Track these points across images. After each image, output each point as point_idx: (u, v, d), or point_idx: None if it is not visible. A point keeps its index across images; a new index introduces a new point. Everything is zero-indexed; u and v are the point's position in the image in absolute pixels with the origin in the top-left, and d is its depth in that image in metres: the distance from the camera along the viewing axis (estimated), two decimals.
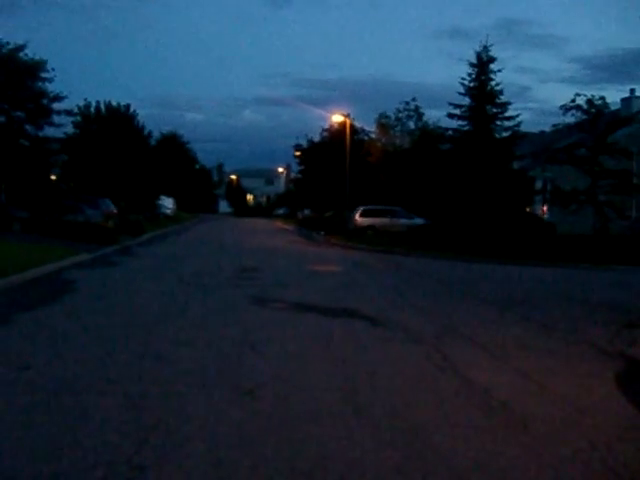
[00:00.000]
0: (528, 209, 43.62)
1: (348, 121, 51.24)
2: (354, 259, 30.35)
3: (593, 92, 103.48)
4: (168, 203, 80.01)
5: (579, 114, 39.69)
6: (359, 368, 9.39)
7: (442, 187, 39.22)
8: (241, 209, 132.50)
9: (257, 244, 39.01)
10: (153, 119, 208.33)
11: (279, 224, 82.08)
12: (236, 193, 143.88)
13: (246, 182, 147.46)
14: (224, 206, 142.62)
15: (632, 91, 49.75)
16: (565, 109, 39.66)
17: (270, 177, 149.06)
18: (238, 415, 7.11)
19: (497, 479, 5.68)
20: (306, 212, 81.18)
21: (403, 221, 45.61)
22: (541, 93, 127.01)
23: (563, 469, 5.95)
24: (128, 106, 66.33)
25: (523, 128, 43.18)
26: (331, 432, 6.66)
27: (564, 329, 13.14)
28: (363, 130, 62.24)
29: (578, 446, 6.49)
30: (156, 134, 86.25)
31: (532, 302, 17.00)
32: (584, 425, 7.18)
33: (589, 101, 39.17)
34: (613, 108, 44.29)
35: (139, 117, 68.47)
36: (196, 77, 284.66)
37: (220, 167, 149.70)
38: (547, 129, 48.83)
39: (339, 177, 50.80)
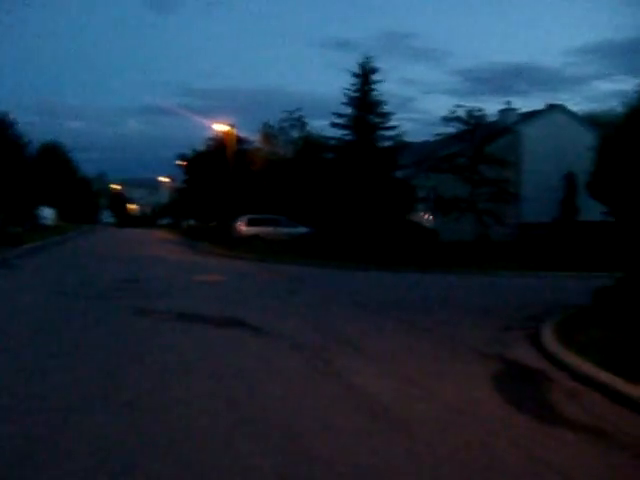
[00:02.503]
0: (411, 217, 44.52)
1: (232, 130, 51.08)
2: (239, 269, 30.27)
3: (473, 103, 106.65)
4: (48, 214, 78.14)
5: (459, 125, 40.92)
6: (242, 378, 9.40)
7: (325, 196, 39.56)
8: (124, 219, 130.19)
9: (140, 254, 38.38)
10: (35, 127, 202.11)
11: (163, 234, 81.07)
12: (119, 203, 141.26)
13: (130, 192, 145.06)
14: (107, 216, 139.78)
15: (508, 103, 51.64)
16: (446, 120, 40.86)
17: (154, 187, 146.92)
18: (118, 427, 7.02)
19: None
20: (190, 222, 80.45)
21: (287, 230, 45.78)
22: (424, 104, 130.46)
23: (441, 468, 6.14)
24: (6, 114, 64.17)
25: (407, 138, 44.19)
26: (212, 443, 6.65)
27: (446, 333, 13.50)
28: (247, 140, 62.20)
29: (456, 446, 6.72)
30: (37, 143, 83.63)
31: (415, 308, 17.39)
32: (462, 425, 7.43)
33: (468, 112, 40.44)
34: (491, 119, 45.79)
35: (18, 125, 66.28)
36: (80, 85, 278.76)
37: (102, 177, 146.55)
38: (430, 139, 50.00)
39: (223, 187, 50.54)
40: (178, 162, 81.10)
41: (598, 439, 7.11)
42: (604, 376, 9.35)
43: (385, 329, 13.97)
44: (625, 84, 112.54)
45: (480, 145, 40.34)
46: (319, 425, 7.29)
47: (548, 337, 12.43)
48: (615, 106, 47.65)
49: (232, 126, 51.77)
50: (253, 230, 46.96)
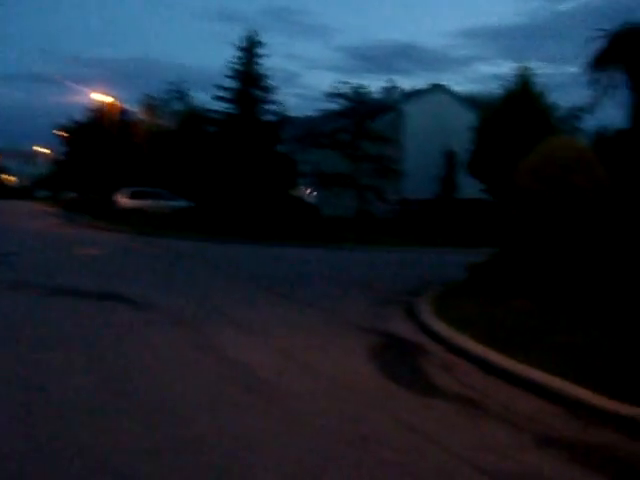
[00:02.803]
0: (293, 192, 44.60)
1: (114, 101, 49.89)
2: (119, 242, 29.65)
3: (357, 81, 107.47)
4: None
5: (343, 101, 41.18)
6: (119, 352, 9.18)
7: (208, 169, 39.07)
8: None
9: (16, 227, 37.05)
10: None
11: (41, 207, 78.57)
12: None
13: (4, 162, 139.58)
14: None
15: (392, 81, 52.39)
16: (330, 96, 41.04)
17: (30, 157, 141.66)
18: None
19: (256, 454, 5.75)
20: (70, 194, 78.15)
21: (169, 203, 45.08)
22: (309, 80, 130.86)
23: (317, 439, 6.15)
24: None
25: (291, 113, 44.08)
26: (86, 419, 6.46)
27: (324, 306, 13.59)
28: (130, 111, 60.79)
29: (333, 417, 6.75)
30: None
31: (294, 282, 17.44)
32: (338, 397, 7.47)
33: (352, 89, 40.75)
34: (375, 97, 46.26)
35: None
36: None
37: None
38: (313, 114, 50.14)
39: (104, 159, 49.34)
40: (57, 132, 78.54)
41: (471, 408, 7.29)
42: (478, 348, 9.60)
43: (265, 303, 13.95)
44: (504, 68, 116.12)
45: (363, 122, 40.72)
46: (194, 399, 7.18)
47: (425, 311, 12.68)
48: (494, 88, 48.98)
49: (114, 97, 50.61)
50: (134, 203, 46.03)
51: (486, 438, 6.40)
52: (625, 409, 6.93)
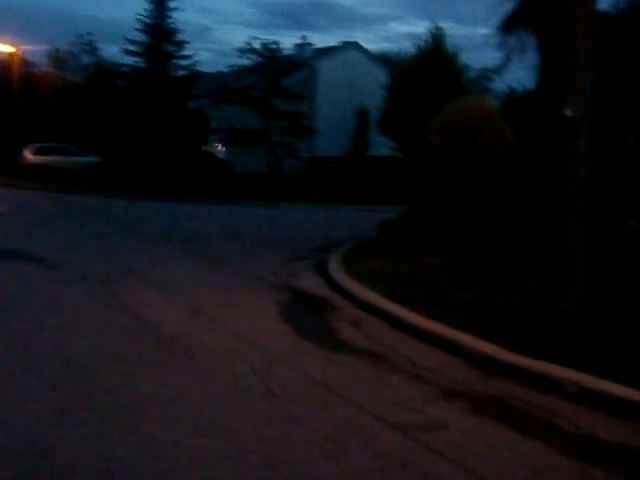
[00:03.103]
0: (204, 148, 44.07)
1: (17, 52, 48.11)
2: (25, 199, 28.86)
3: (270, 36, 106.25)
4: None
5: (255, 57, 40.76)
6: (25, 311, 8.98)
7: (118, 124, 38.27)
8: None
9: None
10: None
11: None
12: None
13: None
14: None
15: (305, 38, 51.92)
16: (242, 51, 40.55)
17: None
18: None
19: (163, 410, 5.73)
20: None
21: (77, 159, 43.99)
22: (221, 35, 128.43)
23: (228, 395, 6.17)
24: None
25: (203, 68, 43.43)
26: None
27: (235, 263, 13.57)
28: (35, 63, 58.78)
29: (241, 372, 6.77)
30: None
31: (205, 238, 17.34)
32: (248, 353, 7.49)
33: (264, 45, 40.33)
34: (288, 53, 45.89)
35: None
36: None
37: None
38: (225, 70, 49.46)
39: (7, 113, 47.63)
40: None
41: (379, 363, 7.41)
42: (386, 304, 9.74)
43: (174, 259, 13.83)
44: (418, 27, 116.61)
45: (275, 78, 40.44)
46: (103, 356, 7.11)
47: (334, 267, 12.78)
48: (408, 48, 49.19)
49: (17, 47, 48.75)
50: (41, 159, 44.66)
51: (393, 392, 6.52)
52: (523, 361, 7.17)
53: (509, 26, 18.22)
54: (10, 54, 49.15)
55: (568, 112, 8.49)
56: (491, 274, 11.61)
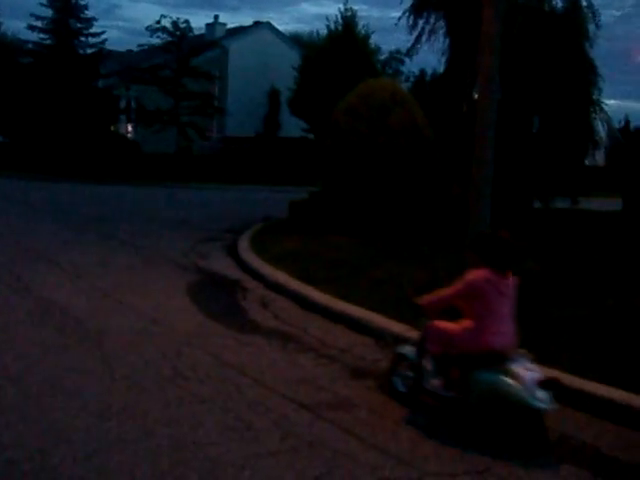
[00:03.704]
0: (112, 128, 43.23)
1: None
2: None
3: (180, 15, 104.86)
4: None
5: (165, 36, 40.08)
6: None
7: (21, 103, 37.11)
8: None
9: None
10: None
11: None
12: None
13: None
14: None
15: (216, 17, 51.26)
16: (151, 30, 39.82)
17: None
18: None
19: (70, 396, 5.63)
20: None
21: None
22: (131, 12, 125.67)
23: (135, 378, 6.10)
24: None
25: (111, 46, 42.28)
26: None
27: (144, 246, 13.40)
28: None
29: (150, 355, 6.71)
30: None
31: (113, 220, 17.07)
32: (157, 335, 7.44)
33: (174, 24, 39.69)
34: (198, 33, 45.27)
35: None
36: None
37: None
38: (135, 49, 48.54)
39: None
40: None
41: (287, 342, 7.46)
42: (295, 284, 9.79)
43: (82, 242, 13.58)
44: (330, 9, 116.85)
45: (185, 58, 39.80)
46: (5, 341, 6.94)
47: (244, 248, 12.77)
48: (319, 29, 49.26)
49: None
50: None
51: (302, 372, 6.57)
52: None
53: (419, 9, 18.41)
54: None
55: (475, 95, 8.67)
56: (400, 253, 11.76)
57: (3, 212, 17.95)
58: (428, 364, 5.79)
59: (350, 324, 8.19)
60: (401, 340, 7.43)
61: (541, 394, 5.10)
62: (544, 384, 5.13)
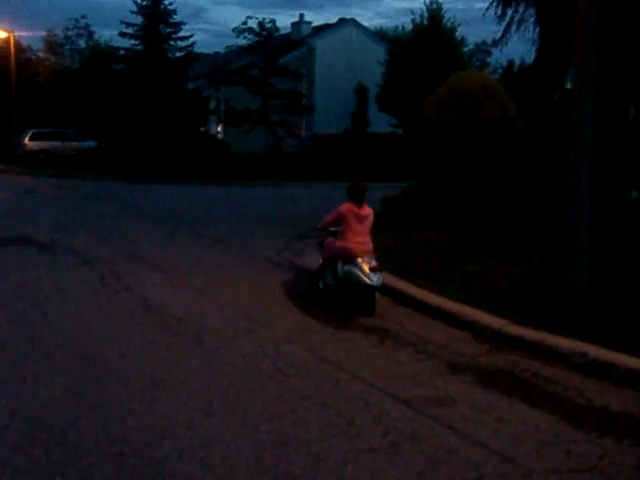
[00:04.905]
0: (203, 129, 43.90)
1: (12, 38, 47.94)
2: (25, 185, 28.77)
3: (266, 16, 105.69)
4: None
5: (251, 37, 40.50)
6: (32, 297, 9.01)
7: (115, 108, 38.02)
8: None
9: None
10: None
11: None
12: None
13: None
14: None
15: (302, 16, 51.57)
16: (238, 32, 40.30)
17: None
18: None
19: (173, 392, 5.75)
20: None
21: (75, 144, 43.91)
22: (217, 15, 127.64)
23: (236, 374, 6.19)
24: None
25: (198, 49, 42.98)
26: (1, 362, 6.38)
27: (239, 244, 13.57)
28: (30, 49, 58.44)
29: (249, 352, 6.79)
30: None
31: (206, 220, 17.30)
32: (255, 332, 7.52)
33: (260, 24, 40.07)
34: (284, 32, 45.60)
35: None
36: None
37: None
38: (222, 51, 49.17)
39: (4, 99, 47.46)
40: None
41: (385, 338, 7.45)
42: (391, 280, 9.72)
43: (178, 241, 13.83)
44: (414, 2, 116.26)
45: (272, 57, 40.14)
46: (111, 339, 7.13)
47: None
48: (404, 23, 49.02)
49: (11, 33, 48.57)
50: (39, 144, 44.57)
51: (401, 367, 6.55)
52: (531, 334, 7.18)
53: None
54: (5, 40, 48.98)
55: (568, 84, 8.47)
56: (495, 248, 11.58)
57: (100, 214, 18.41)
58: (323, 266, 9.23)
59: (447, 319, 8.12)
60: (500, 335, 7.35)
61: (374, 277, 8.38)
62: (374, 269, 8.42)
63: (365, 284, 8.35)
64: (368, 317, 8.24)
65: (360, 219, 8.90)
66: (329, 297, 8.92)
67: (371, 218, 9.10)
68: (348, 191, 9.30)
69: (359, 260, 8.48)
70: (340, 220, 8.96)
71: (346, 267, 8.58)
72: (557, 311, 7.72)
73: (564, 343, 6.84)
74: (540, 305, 8.06)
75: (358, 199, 9.05)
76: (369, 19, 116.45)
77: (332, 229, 9.18)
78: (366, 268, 8.36)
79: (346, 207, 9.01)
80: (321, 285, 9.22)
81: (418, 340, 7.40)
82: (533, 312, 7.81)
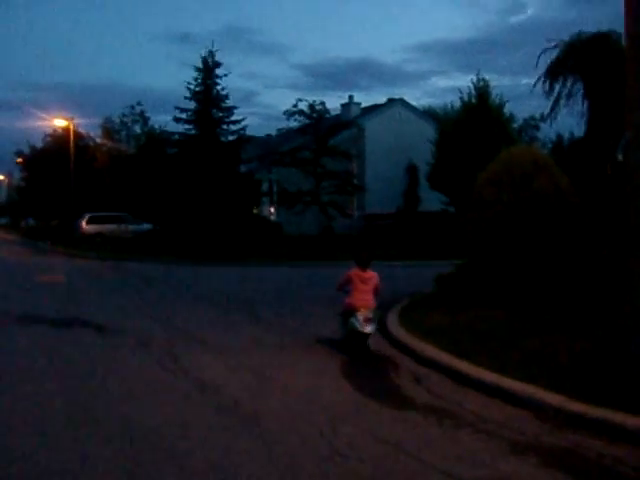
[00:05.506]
0: (255, 210, 44.49)
1: (72, 126, 49.57)
2: (82, 268, 29.37)
3: (315, 98, 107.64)
4: None
5: (302, 119, 41.23)
6: (89, 378, 9.10)
7: (169, 191, 38.85)
8: None
9: None
10: None
11: (1, 235, 77.58)
12: None
13: None
14: None
15: (351, 97, 52.46)
16: (289, 114, 41.07)
17: None
18: None
19: (231, 476, 5.73)
20: (30, 221, 77.16)
21: (131, 227, 44.88)
22: (267, 98, 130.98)
23: (294, 457, 6.13)
24: None
25: (250, 132, 43.89)
26: (58, 444, 6.43)
27: (293, 324, 13.58)
28: (88, 135, 60.28)
29: (307, 434, 6.74)
30: None
31: (261, 301, 17.36)
32: (312, 414, 7.46)
33: (311, 106, 40.81)
34: (334, 113, 46.36)
35: None
36: None
37: None
38: (273, 133, 50.11)
39: (64, 184, 48.87)
40: (16, 159, 77.57)
41: (443, 417, 7.32)
42: (447, 358, 9.65)
43: (232, 323, 13.88)
44: (460, 81, 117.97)
45: (323, 138, 40.74)
46: (168, 422, 7.14)
47: (394, 323, 12.72)
48: (452, 101, 49.54)
49: (71, 121, 50.25)
50: (95, 228, 45.68)
51: (460, 447, 6.42)
52: (594, 411, 7.00)
53: (555, 73, 18.25)
54: (64, 128, 50.69)
55: (620, 156, 8.45)
56: (552, 324, 11.40)
57: (155, 296, 18.63)
58: (342, 319, 11.19)
59: (506, 397, 7.97)
60: (561, 412, 7.18)
61: (367, 327, 10.56)
62: (369, 320, 10.58)
63: (359, 332, 10.57)
64: (361, 359, 10.45)
65: (364, 281, 11.07)
66: (344, 344, 10.95)
67: (374, 280, 11.19)
68: (355, 258, 11.46)
69: (359, 313, 10.64)
70: (349, 281, 11.16)
71: (350, 319, 10.70)
72: (622, 387, 7.53)
73: (631, 421, 6.65)
74: (603, 381, 7.87)
75: (363, 265, 11.26)
76: (417, 98, 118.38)
77: (346, 289, 11.26)
78: (361, 319, 10.57)
79: (353, 272, 11.21)
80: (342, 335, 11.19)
81: (477, 419, 7.27)
82: (595, 388, 7.62)
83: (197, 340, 11.83)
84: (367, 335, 10.60)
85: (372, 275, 11.21)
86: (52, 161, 57.10)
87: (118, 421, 7.17)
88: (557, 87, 18.28)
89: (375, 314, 10.91)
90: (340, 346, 11.01)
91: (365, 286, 10.99)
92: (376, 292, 11.18)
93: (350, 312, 10.77)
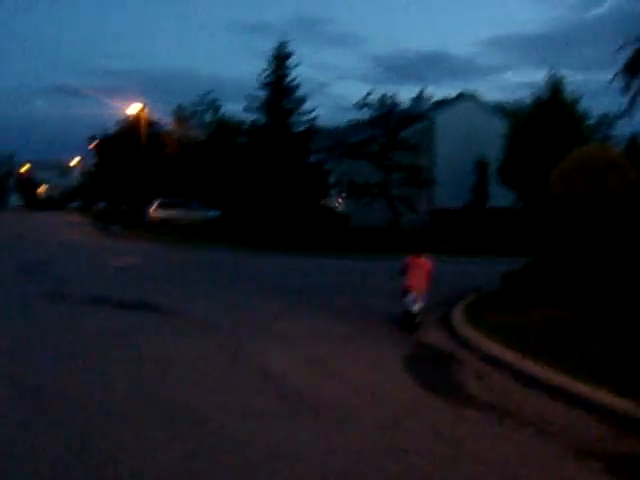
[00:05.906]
0: (323, 202, 44.52)
1: (144, 113, 50.34)
2: (150, 252, 29.87)
3: (387, 89, 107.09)
4: None
5: (372, 111, 41.09)
6: (155, 361, 9.28)
7: (238, 179, 39.12)
8: (33, 202, 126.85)
9: (51, 237, 37.57)
10: None
11: (74, 218, 79.18)
12: (28, 185, 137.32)
13: (39, 174, 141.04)
14: (15, 199, 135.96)
15: (421, 91, 52.12)
16: (359, 106, 40.97)
17: (64, 169, 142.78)
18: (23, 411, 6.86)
19: (289, 464, 5.77)
20: (101, 205, 78.64)
21: (199, 213, 45.43)
22: (338, 89, 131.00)
23: (351, 449, 6.14)
24: None
25: (320, 123, 43.90)
26: (123, 426, 6.56)
27: (358, 316, 13.59)
28: (160, 122, 61.16)
29: (367, 427, 6.74)
30: None
31: (327, 292, 17.41)
32: (373, 407, 7.46)
33: (382, 99, 40.65)
34: (404, 106, 46.11)
35: None
36: None
37: (11, 158, 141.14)
38: (343, 124, 50.08)
39: (135, 169, 49.70)
40: (89, 144, 79.17)
41: (504, 417, 7.24)
42: (511, 357, 9.54)
43: (297, 312, 13.95)
44: (533, 76, 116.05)
45: (393, 131, 40.55)
46: (229, 409, 7.22)
47: (458, 320, 12.63)
48: (524, 97, 48.81)
49: (143, 108, 51.03)
50: (165, 213, 46.41)
51: (521, 449, 6.35)
52: None
53: (633, 69, 17.80)
54: (137, 114, 51.53)
55: None
56: (621, 326, 11.17)
57: (221, 282, 18.83)
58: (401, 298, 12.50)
59: (570, 399, 7.84)
60: (628, 417, 7.04)
61: (415, 305, 12.11)
62: (416, 300, 12.11)
63: (408, 310, 12.21)
64: (409, 334, 11.88)
65: (418, 266, 12.63)
66: (400, 320, 12.44)
67: (427, 266, 12.75)
68: (412, 249, 13.24)
69: (410, 294, 12.27)
70: (407, 267, 12.68)
71: (404, 299, 12.34)
72: None
73: None
74: None
75: (417, 252, 12.98)
76: (488, 93, 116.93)
77: (404, 272, 12.71)
78: (411, 299, 12.20)
79: (410, 258, 12.82)
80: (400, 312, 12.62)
81: (539, 420, 7.16)
82: None
83: (261, 328, 11.94)
84: (414, 314, 12.12)
85: (425, 262, 12.79)
86: (123, 147, 58.13)
87: (179, 405, 7.29)
88: (635, 84, 17.83)
89: (424, 297, 12.44)
90: (397, 321, 12.53)
91: (419, 270, 12.56)
92: (429, 277, 12.74)
93: (405, 292, 12.37)
